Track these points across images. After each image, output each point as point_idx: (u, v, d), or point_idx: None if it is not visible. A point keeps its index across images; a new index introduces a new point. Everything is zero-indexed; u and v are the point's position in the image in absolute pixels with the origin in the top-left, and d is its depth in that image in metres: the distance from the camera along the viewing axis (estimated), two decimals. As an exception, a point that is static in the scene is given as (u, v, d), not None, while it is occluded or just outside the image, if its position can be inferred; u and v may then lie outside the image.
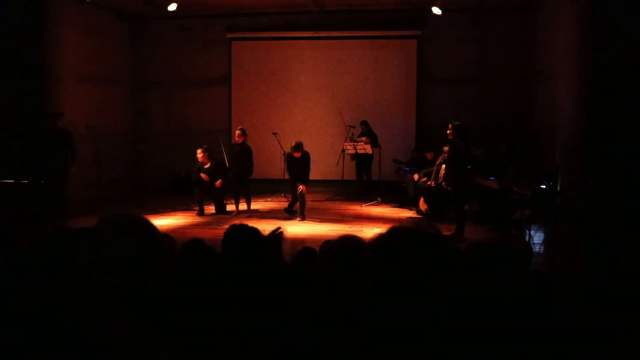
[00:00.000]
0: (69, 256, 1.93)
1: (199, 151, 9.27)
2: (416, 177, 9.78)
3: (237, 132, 9.12)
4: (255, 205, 10.49)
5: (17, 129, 9.15)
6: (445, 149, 8.74)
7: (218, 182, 9.22)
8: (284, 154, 11.09)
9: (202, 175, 9.22)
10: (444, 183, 8.35)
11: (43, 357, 1.25)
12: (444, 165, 8.66)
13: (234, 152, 9.18)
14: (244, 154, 9.01)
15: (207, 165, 9.30)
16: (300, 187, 8.81)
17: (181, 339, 1.56)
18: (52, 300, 1.35)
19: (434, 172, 9.24)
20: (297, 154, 9.00)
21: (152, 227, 1.63)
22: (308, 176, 9.08)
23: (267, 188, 11.53)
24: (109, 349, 1.29)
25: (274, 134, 11.29)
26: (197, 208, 9.27)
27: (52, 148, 8.45)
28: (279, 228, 2.71)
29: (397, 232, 1.11)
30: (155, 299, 1.54)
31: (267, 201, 10.82)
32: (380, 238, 1.14)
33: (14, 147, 8.98)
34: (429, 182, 9.22)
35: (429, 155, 9.87)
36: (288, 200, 10.84)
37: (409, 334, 1.08)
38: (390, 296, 1.08)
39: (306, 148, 9.07)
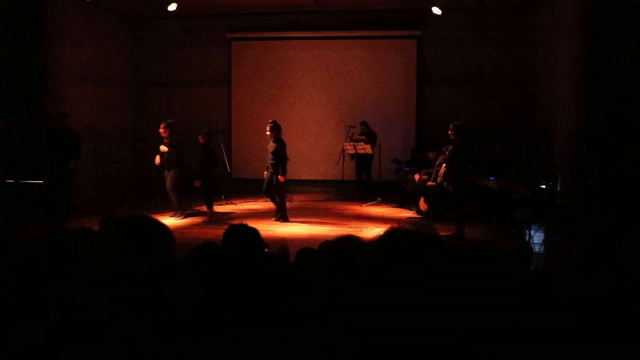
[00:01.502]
0: (69, 255, 1.93)
1: (161, 125, 8.77)
2: (417, 177, 9.77)
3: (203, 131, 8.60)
4: (256, 205, 10.51)
5: (17, 129, 9.14)
6: (445, 148, 8.79)
7: (156, 159, 8.79)
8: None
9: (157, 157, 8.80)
10: (445, 183, 8.36)
11: (50, 356, 1.25)
12: (444, 165, 8.68)
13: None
14: (204, 155, 8.57)
15: (166, 141, 8.78)
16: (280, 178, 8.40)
17: (184, 339, 1.56)
18: (62, 300, 1.35)
19: (434, 172, 9.24)
20: (268, 134, 8.49)
21: (163, 227, 1.63)
22: (279, 167, 8.39)
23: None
24: (115, 349, 1.29)
25: (274, 133, 11.31)
26: (197, 208, 9.26)
27: (58, 148, 8.43)
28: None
29: (395, 233, 1.11)
30: (161, 297, 1.54)
31: (267, 201, 10.81)
32: (378, 239, 1.14)
33: (14, 147, 8.97)
34: (429, 182, 9.22)
35: (431, 155, 9.87)
36: (289, 200, 10.86)
37: (408, 334, 1.09)
38: (389, 296, 1.08)
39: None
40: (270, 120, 8.67)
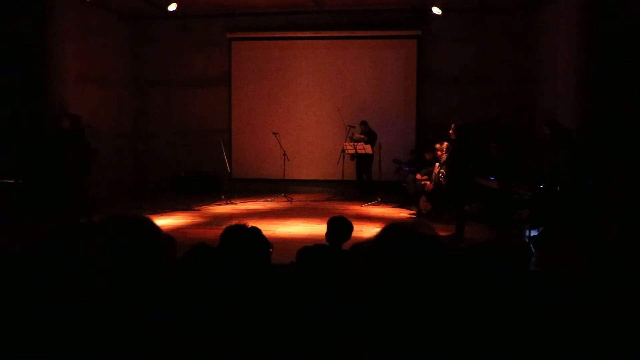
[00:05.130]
0: (69, 255, 1.93)
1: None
2: (419, 176, 9.76)
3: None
4: (256, 205, 10.50)
5: (17, 129, 9.15)
6: (437, 146, 8.83)
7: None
8: (284, 154, 11.13)
9: None
10: (441, 178, 8.36)
11: (53, 355, 1.25)
12: (437, 164, 8.77)
13: None
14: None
15: None
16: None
17: (183, 339, 1.56)
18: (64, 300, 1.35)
19: (433, 173, 9.23)
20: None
21: (154, 227, 1.64)
22: (82, 168, 7.38)
23: (268, 188, 11.56)
24: (115, 347, 1.29)
25: (274, 134, 11.32)
26: (198, 208, 9.25)
27: (69, 148, 8.43)
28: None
29: (393, 229, 1.10)
30: (158, 297, 1.55)
31: (267, 201, 10.82)
32: (377, 236, 1.13)
33: (14, 146, 8.98)
34: (427, 185, 9.18)
35: (428, 156, 9.87)
36: (289, 200, 10.87)
37: (405, 331, 1.09)
38: (387, 291, 1.08)
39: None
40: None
